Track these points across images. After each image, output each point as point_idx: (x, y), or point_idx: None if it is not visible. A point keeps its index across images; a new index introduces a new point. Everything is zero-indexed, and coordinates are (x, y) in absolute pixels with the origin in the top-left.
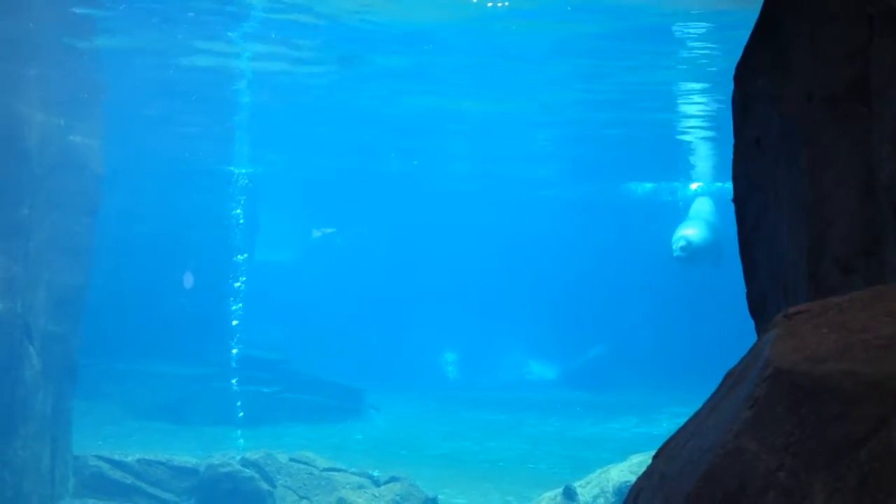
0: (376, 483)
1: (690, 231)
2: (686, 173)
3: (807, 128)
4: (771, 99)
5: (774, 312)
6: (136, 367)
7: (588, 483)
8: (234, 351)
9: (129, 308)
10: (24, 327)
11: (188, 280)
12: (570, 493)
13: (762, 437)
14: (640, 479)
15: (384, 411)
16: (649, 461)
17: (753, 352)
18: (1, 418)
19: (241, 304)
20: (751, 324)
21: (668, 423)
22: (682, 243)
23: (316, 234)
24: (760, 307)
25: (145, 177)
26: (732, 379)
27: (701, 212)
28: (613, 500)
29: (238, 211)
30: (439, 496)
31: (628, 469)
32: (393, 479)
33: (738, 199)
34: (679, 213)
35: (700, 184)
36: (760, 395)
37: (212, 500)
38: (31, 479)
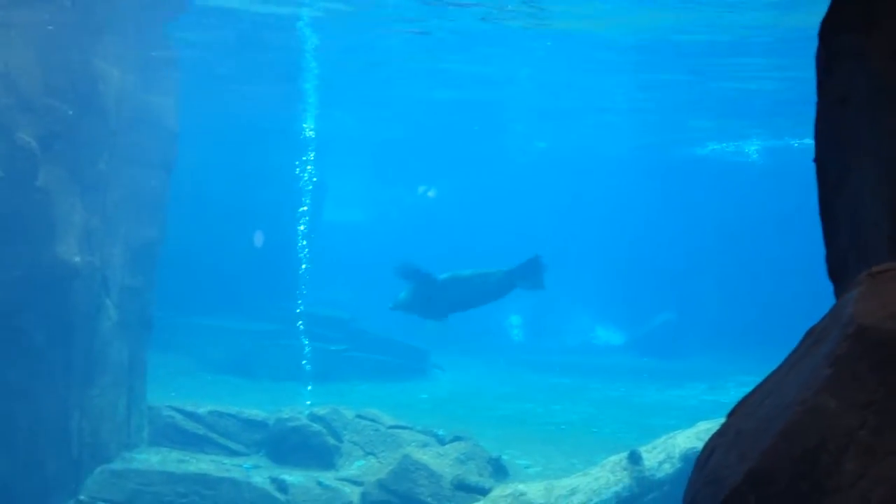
0: (441, 441)
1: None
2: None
3: (894, 85)
4: (856, 56)
5: (854, 274)
6: (208, 321)
7: (654, 448)
8: (302, 309)
9: (202, 263)
10: (102, 280)
11: (258, 238)
12: (635, 458)
13: (843, 395)
14: (713, 436)
15: (449, 372)
16: (717, 428)
17: (835, 310)
18: (79, 368)
19: (309, 263)
20: (821, 291)
21: (735, 391)
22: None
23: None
24: (840, 269)
25: (217, 135)
26: (813, 337)
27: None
28: (680, 465)
29: (307, 170)
30: (503, 456)
31: (695, 435)
32: (457, 438)
33: (819, 159)
34: (750, 173)
35: None
36: (842, 353)
37: (280, 452)
38: (108, 427)
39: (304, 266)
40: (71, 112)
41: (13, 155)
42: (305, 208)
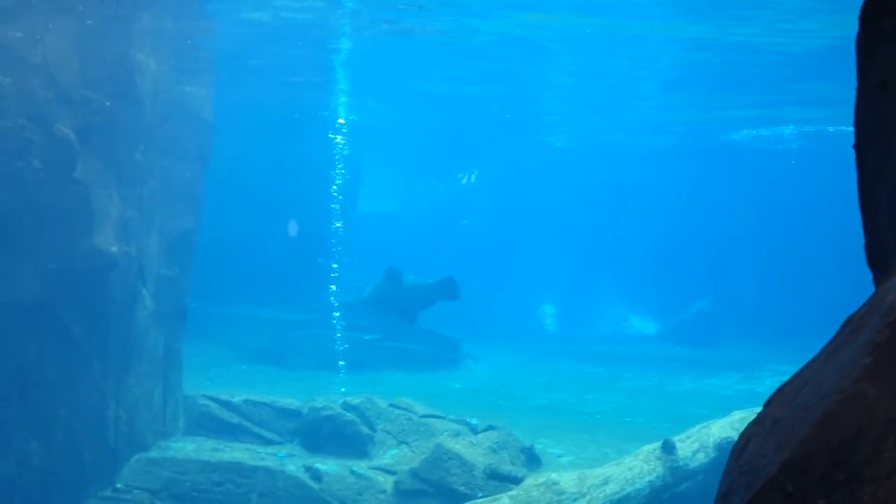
0: (474, 431)
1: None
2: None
3: None
4: None
5: (895, 262)
6: (242, 311)
7: (688, 438)
8: (335, 298)
9: (236, 253)
10: (139, 270)
11: (293, 228)
12: (669, 447)
13: (883, 384)
14: (749, 425)
15: (482, 361)
16: (752, 418)
17: (875, 298)
18: (116, 357)
19: (342, 253)
20: (858, 279)
21: (770, 381)
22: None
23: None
24: (880, 257)
25: (251, 125)
26: (851, 326)
27: None
28: (714, 455)
29: (341, 159)
30: (536, 445)
31: (730, 425)
32: (490, 428)
33: (859, 146)
34: (787, 159)
35: None
36: (883, 341)
37: (314, 441)
38: (144, 416)
39: (337, 256)
40: (108, 103)
41: (52, 147)
42: (340, 198)
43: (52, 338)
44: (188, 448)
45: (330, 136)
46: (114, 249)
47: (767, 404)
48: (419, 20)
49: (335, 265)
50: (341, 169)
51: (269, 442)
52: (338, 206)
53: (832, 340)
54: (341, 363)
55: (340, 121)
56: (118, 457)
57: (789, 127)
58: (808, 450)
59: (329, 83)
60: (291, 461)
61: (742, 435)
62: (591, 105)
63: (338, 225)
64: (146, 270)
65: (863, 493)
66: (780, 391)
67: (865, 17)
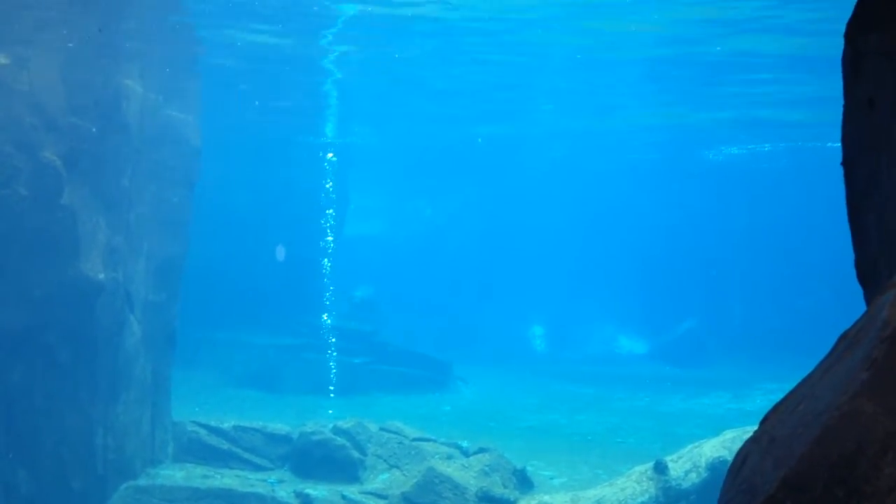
0: (465, 453)
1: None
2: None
3: None
4: (885, 55)
5: (886, 278)
6: (231, 336)
7: (680, 458)
8: (325, 322)
9: (225, 278)
10: (126, 296)
11: (280, 252)
12: (661, 468)
13: (881, 399)
14: (746, 443)
15: (472, 383)
16: (744, 437)
17: (869, 314)
18: (103, 384)
19: (331, 277)
20: (847, 299)
21: (761, 400)
22: None
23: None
24: (870, 273)
25: (239, 150)
26: (846, 341)
27: None
28: (706, 475)
29: (329, 184)
30: (527, 467)
31: (721, 444)
32: (481, 450)
33: (847, 162)
34: (774, 177)
35: None
36: (879, 356)
37: (305, 466)
38: (133, 443)
39: (326, 280)
40: (95, 130)
41: (39, 174)
42: (328, 222)
43: (38, 365)
44: (177, 475)
45: (318, 159)
46: (101, 276)
47: (764, 421)
48: (405, 45)
49: (324, 288)
50: (329, 192)
51: (259, 468)
52: (326, 229)
53: (827, 357)
54: (331, 387)
55: (330, 155)
56: (106, 485)
57: (776, 144)
58: (806, 466)
59: (316, 107)
60: (282, 487)
61: (739, 452)
62: (575, 123)
63: (326, 248)
64: (134, 296)
65: None
66: (777, 408)
67: (852, 34)
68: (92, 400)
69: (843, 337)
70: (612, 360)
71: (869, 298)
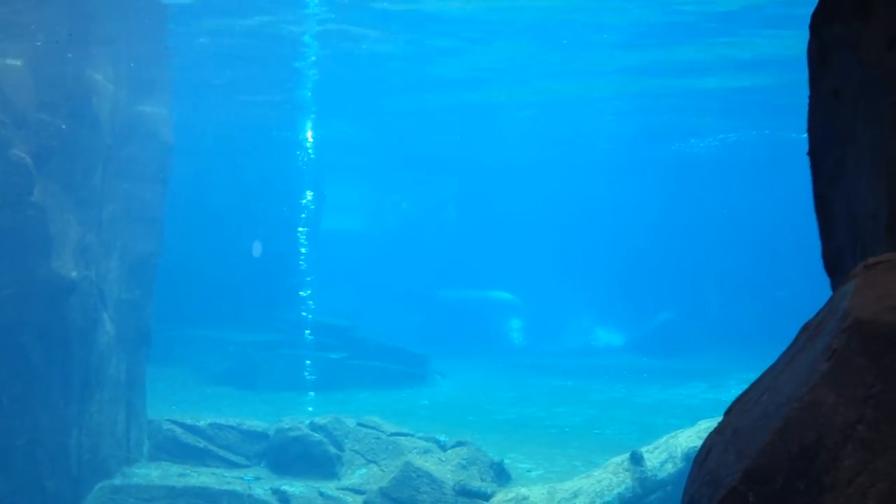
0: (443, 447)
1: None
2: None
3: (888, 75)
4: (849, 47)
5: (852, 267)
6: (207, 333)
7: (656, 448)
8: (302, 318)
9: (200, 275)
10: (99, 294)
11: (257, 248)
12: (637, 459)
13: (841, 390)
14: (710, 435)
15: (450, 377)
16: None
17: (831, 304)
18: (77, 383)
19: (308, 272)
20: (822, 288)
21: (736, 389)
22: None
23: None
24: (837, 263)
25: (213, 145)
26: (808, 332)
27: None
28: (682, 465)
29: (304, 178)
30: (505, 461)
31: (696, 434)
32: (459, 444)
33: (813, 153)
34: (746, 168)
35: None
36: (839, 347)
37: (281, 463)
38: (108, 443)
39: (302, 275)
40: (65, 126)
41: (8, 171)
42: (304, 216)
43: (10, 365)
44: (153, 474)
45: (293, 154)
46: (73, 274)
47: (728, 413)
48: (381, 41)
49: (301, 285)
50: (305, 187)
51: (235, 465)
52: (302, 225)
53: (790, 347)
54: (309, 383)
55: (303, 139)
56: (81, 485)
57: (747, 134)
58: (768, 458)
59: (291, 101)
60: (259, 484)
61: (704, 444)
62: (552, 117)
63: (302, 243)
64: (106, 294)
65: (824, 500)
66: (740, 399)
67: (816, 25)
68: (65, 399)
69: (806, 328)
70: (590, 352)
71: (836, 287)
